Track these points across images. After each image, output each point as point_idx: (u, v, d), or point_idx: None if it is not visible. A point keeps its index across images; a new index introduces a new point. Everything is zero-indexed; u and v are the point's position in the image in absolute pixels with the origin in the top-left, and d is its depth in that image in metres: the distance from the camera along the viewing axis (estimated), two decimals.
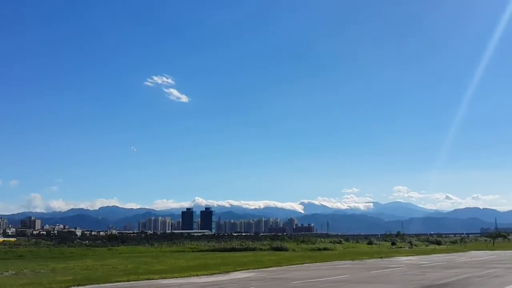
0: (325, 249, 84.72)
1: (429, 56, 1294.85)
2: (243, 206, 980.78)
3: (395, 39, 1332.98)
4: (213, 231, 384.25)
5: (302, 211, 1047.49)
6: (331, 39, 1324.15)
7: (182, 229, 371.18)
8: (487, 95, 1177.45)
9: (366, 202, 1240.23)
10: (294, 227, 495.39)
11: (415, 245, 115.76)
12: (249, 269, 36.00)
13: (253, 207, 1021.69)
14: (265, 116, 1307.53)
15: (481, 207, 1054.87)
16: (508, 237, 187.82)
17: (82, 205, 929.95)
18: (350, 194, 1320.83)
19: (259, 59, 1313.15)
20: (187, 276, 30.01)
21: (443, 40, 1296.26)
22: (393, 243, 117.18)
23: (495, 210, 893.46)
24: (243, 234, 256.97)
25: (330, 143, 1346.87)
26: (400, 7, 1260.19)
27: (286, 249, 79.49)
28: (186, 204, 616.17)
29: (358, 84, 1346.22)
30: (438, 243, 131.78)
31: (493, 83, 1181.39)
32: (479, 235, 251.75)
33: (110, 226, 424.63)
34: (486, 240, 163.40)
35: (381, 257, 54.40)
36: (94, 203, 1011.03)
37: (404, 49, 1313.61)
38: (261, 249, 79.83)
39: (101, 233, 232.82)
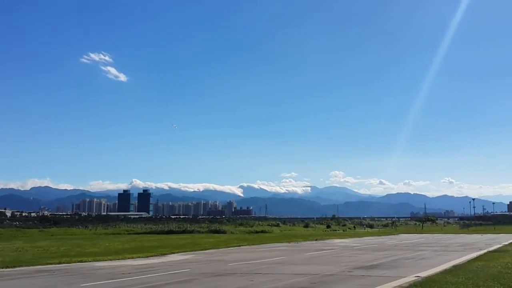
0: (262, 231, 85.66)
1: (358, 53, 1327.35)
2: (182, 188, 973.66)
3: (345, 28, 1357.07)
4: (151, 213, 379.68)
5: (242, 195, 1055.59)
6: (281, 26, 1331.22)
7: (118, 212, 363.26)
8: (409, 86, 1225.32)
9: (304, 187, 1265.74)
10: (233, 210, 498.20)
11: (349, 228, 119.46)
12: (186, 251, 35.72)
13: (192, 190, 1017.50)
14: (207, 100, 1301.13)
15: (412, 193, 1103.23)
16: (436, 221, 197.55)
17: (12, 185, 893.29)
18: (288, 179, 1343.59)
19: (203, 36, 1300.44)
20: (121, 259, 29.34)
21: (391, 33, 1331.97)
22: (328, 226, 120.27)
23: (425, 195, 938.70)
24: (182, 217, 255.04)
25: (271, 128, 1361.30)
26: None
27: (224, 232, 79.70)
28: (123, 186, 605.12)
29: (302, 72, 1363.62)
30: (371, 226, 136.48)
31: (422, 74, 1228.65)
32: (409, 219, 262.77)
33: (42, 207, 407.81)
34: (415, 224, 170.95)
35: (316, 240, 55.65)
36: (25, 183, 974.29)
37: (347, 40, 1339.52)
38: (199, 232, 79.55)
39: (32, 214, 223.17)
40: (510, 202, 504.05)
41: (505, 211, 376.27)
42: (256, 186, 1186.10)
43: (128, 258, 30.04)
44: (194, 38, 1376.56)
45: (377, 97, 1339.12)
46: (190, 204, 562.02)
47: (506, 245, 40.74)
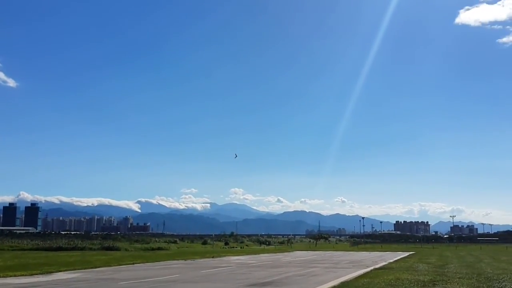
0: (159, 248, 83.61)
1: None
2: (75, 203, 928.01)
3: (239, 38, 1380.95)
4: (39, 229, 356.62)
5: (139, 210, 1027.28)
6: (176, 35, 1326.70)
7: (2, 226, 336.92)
8: (312, 108, 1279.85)
9: (203, 203, 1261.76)
10: (129, 226, 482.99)
11: (247, 245, 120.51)
12: (75, 269, 33.79)
13: (85, 205, 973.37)
14: (103, 109, 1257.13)
15: (308, 211, 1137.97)
16: (329, 239, 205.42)
17: None
18: (188, 195, 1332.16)
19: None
20: (2, 277, 27.09)
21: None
22: (226, 243, 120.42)
23: (320, 213, 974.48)
24: (73, 232, 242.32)
25: (171, 142, 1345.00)
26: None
27: (118, 249, 76.72)
28: (8, 199, 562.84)
29: (207, 93, 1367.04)
30: (268, 243, 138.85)
31: (321, 98, 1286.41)
32: (304, 236, 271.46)
33: None
34: (310, 241, 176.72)
35: (213, 257, 55.35)
36: None
37: (239, 47, 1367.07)
38: (91, 249, 75.88)
39: None
40: (396, 221, 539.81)
41: (392, 230, 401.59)
42: (154, 201, 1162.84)
43: (10, 276, 27.84)
44: (89, 43, 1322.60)
45: (276, 119, 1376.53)
46: (82, 219, 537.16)
47: (391, 263, 43.17)
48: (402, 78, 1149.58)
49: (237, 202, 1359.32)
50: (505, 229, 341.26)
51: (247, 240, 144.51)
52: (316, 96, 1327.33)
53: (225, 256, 59.46)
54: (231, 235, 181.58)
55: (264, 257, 57.02)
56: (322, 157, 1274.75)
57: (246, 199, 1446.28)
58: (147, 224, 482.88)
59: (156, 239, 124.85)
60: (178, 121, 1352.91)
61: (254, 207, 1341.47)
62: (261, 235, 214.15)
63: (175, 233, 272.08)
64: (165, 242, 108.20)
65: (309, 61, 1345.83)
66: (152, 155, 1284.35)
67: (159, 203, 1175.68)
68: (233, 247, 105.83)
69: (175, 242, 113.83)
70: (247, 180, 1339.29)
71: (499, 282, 22.95)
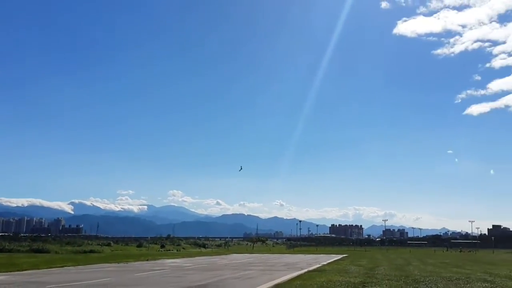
0: (91, 251, 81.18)
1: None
2: (4, 203, 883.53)
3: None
4: None
5: (72, 212, 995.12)
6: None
7: None
8: (235, 107, 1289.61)
9: (140, 205, 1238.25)
10: (61, 228, 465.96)
11: (183, 248, 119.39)
12: (0, 272, 32.16)
13: (15, 205, 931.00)
14: (36, 106, 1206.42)
15: (246, 214, 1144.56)
16: (266, 241, 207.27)
17: None
18: (125, 196, 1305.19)
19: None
20: None
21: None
22: (162, 246, 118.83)
23: (258, 217, 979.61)
24: (0, 234, 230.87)
25: (107, 141, 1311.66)
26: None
27: (48, 251, 73.84)
28: None
29: (148, 91, 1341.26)
30: (205, 246, 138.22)
31: (264, 103, 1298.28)
32: (242, 239, 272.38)
33: None
34: (247, 244, 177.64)
35: (147, 260, 54.32)
36: None
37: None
38: (18, 251, 72.62)
39: None
40: (332, 224, 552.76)
41: (327, 233, 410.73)
42: (88, 203, 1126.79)
43: None
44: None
45: (210, 117, 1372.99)
46: (11, 220, 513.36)
47: (324, 265, 44.04)
48: (345, 86, 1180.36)
49: (176, 205, 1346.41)
50: (433, 233, 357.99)
51: (184, 243, 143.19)
52: (259, 104, 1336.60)
53: (160, 259, 58.53)
54: (168, 237, 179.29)
55: (200, 260, 56.64)
56: (262, 161, 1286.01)
57: (185, 201, 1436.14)
58: (80, 226, 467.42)
59: (89, 241, 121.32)
60: (114, 119, 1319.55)
61: (193, 210, 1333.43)
62: (199, 238, 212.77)
63: (109, 236, 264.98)
64: (99, 245, 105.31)
65: (254, 69, 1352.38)
66: (86, 154, 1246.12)
67: (93, 205, 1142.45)
68: (169, 250, 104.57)
69: (109, 244, 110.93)
70: (187, 182, 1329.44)
71: (426, 284, 23.90)
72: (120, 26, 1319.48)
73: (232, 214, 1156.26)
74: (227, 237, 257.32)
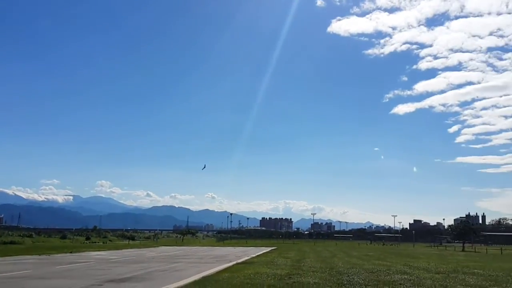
0: (11, 242, 77.39)
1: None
2: None
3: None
4: None
5: None
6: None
7: None
8: (184, 103, 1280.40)
9: (65, 195, 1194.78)
10: None
11: (110, 240, 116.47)
12: None
13: None
14: None
15: (177, 206, 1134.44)
16: (196, 234, 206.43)
17: None
18: (49, 186, 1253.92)
19: None
20: None
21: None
22: (88, 238, 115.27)
23: (189, 209, 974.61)
24: None
25: (30, 128, 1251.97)
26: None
27: None
28: None
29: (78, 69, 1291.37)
30: (133, 238, 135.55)
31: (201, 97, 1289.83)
32: (172, 231, 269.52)
33: None
34: (177, 236, 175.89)
35: (71, 252, 52.49)
36: None
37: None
38: None
39: None
40: (262, 217, 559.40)
41: (258, 226, 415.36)
42: (10, 192, 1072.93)
43: None
44: None
45: (149, 111, 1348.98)
46: None
47: (253, 257, 44.47)
48: (280, 83, 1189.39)
49: (103, 196, 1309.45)
50: (359, 227, 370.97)
51: (111, 235, 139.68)
52: (189, 90, 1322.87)
53: (84, 251, 56.77)
54: (94, 229, 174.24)
55: (127, 253, 55.49)
56: (194, 153, 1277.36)
57: (114, 192, 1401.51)
58: (0, 216, 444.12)
59: (10, 232, 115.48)
60: (38, 105, 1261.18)
61: (122, 201, 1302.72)
62: (127, 230, 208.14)
63: (31, 227, 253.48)
64: (19, 236, 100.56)
65: (195, 66, 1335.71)
66: (8, 140, 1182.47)
67: (15, 194, 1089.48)
68: (95, 242, 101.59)
69: (30, 236, 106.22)
70: (115, 172, 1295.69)
71: (348, 275, 24.67)
72: (62, 18, 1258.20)
73: (163, 206, 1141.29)
74: (157, 230, 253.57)
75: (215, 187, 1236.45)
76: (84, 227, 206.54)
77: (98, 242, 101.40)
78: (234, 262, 36.06)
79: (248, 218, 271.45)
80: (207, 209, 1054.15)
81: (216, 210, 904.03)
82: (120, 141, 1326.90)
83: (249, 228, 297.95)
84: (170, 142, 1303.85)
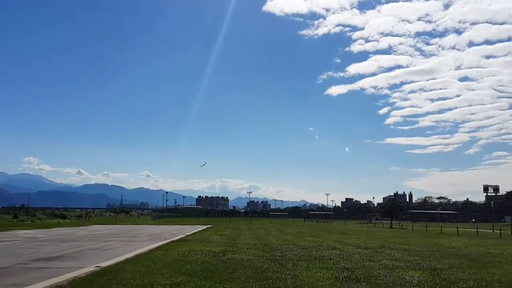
0: None
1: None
2: None
3: None
4: None
5: None
6: None
7: None
8: (119, 78, 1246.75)
9: None
10: None
11: (39, 219, 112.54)
12: None
13: None
14: None
15: (110, 184, 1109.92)
16: (131, 213, 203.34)
17: None
18: None
19: None
20: None
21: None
22: (15, 216, 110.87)
23: (123, 187, 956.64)
24: None
25: None
26: None
27: None
28: None
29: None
30: (64, 217, 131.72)
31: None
32: (105, 210, 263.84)
33: None
34: (110, 215, 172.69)
35: None
36: None
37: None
38: None
39: None
40: (199, 196, 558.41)
41: (194, 204, 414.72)
42: None
43: None
44: None
45: (80, 86, 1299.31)
46: None
47: (188, 235, 44.39)
48: (220, 60, 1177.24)
49: (32, 173, 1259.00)
50: (294, 205, 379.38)
51: (40, 214, 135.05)
52: (120, 66, 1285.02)
53: (12, 230, 54.64)
54: (22, 207, 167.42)
55: (57, 231, 53.87)
56: (128, 130, 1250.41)
57: (42, 169, 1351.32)
58: None
59: None
60: None
61: (51, 179, 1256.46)
62: (57, 209, 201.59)
63: None
64: None
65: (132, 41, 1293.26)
66: None
67: None
68: (24, 221, 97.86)
69: None
70: (44, 149, 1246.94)
71: (281, 252, 25.19)
72: None
73: (95, 184, 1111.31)
74: (89, 208, 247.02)
75: (150, 165, 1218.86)
76: (12, 205, 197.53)
77: (27, 221, 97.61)
78: (169, 240, 35.86)
79: (184, 197, 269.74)
80: (142, 188, 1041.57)
81: (151, 189, 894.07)
82: (48, 116, 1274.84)
83: (185, 206, 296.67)
84: (102, 119, 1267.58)
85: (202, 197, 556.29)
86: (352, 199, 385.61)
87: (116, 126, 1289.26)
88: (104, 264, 18.86)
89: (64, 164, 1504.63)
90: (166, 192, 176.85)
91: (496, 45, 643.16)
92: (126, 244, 32.85)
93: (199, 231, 56.75)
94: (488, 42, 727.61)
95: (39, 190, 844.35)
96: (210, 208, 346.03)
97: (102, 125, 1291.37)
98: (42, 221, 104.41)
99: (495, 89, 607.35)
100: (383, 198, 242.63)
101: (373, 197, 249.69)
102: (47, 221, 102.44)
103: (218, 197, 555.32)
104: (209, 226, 79.53)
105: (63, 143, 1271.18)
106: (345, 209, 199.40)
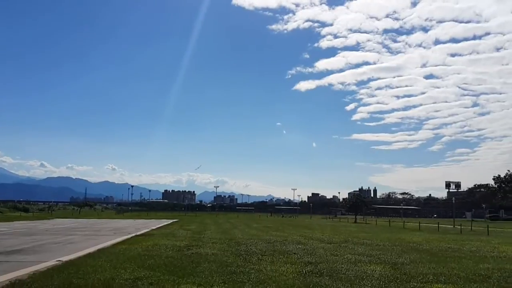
0: None
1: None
2: None
3: None
4: None
5: None
6: None
7: None
8: (89, 72, 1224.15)
9: None
10: None
11: (1, 212, 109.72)
12: None
13: None
14: None
15: (74, 177, 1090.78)
16: (95, 206, 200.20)
17: None
18: None
19: None
20: None
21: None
22: None
23: (87, 180, 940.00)
24: None
25: None
26: None
27: None
28: None
29: None
30: (26, 210, 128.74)
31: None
32: (68, 203, 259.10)
33: None
34: (74, 208, 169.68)
35: None
36: None
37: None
38: None
39: None
40: (165, 190, 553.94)
41: (160, 199, 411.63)
42: None
43: None
44: None
45: (48, 79, 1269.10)
46: None
47: (153, 230, 44.03)
48: (191, 54, 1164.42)
49: None
50: (260, 200, 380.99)
51: (1, 207, 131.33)
52: (89, 59, 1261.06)
53: None
54: None
55: (18, 225, 52.67)
56: (94, 123, 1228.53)
57: (4, 161, 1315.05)
58: None
59: None
60: None
61: (13, 171, 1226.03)
62: (19, 202, 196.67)
63: None
64: None
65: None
66: None
67: None
68: None
69: None
70: (6, 141, 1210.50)
71: (246, 246, 25.29)
72: None
73: (59, 177, 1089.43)
74: (52, 201, 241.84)
75: (116, 159, 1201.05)
76: None
77: None
78: (133, 234, 35.48)
79: (150, 191, 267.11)
80: (106, 181, 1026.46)
81: (116, 182, 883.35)
82: (11, 108, 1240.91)
83: (151, 200, 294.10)
84: (67, 111, 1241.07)
85: (169, 191, 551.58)
86: (318, 194, 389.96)
87: (81, 119, 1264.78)
88: (66, 258, 18.55)
89: (27, 156, 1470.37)
90: (132, 186, 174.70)
91: (462, 44, 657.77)
92: (89, 238, 32.37)
93: (164, 225, 56.35)
94: (453, 40, 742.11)
95: (1, 183, 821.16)
96: (177, 203, 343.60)
97: (67, 117, 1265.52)
98: (3, 214, 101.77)
99: (459, 87, 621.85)
100: (349, 193, 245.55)
101: (339, 192, 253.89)
102: (8, 214, 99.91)
103: (185, 191, 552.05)
104: (175, 220, 79.03)
105: (27, 135, 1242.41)
106: (311, 204, 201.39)
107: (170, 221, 74.16)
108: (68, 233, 37.59)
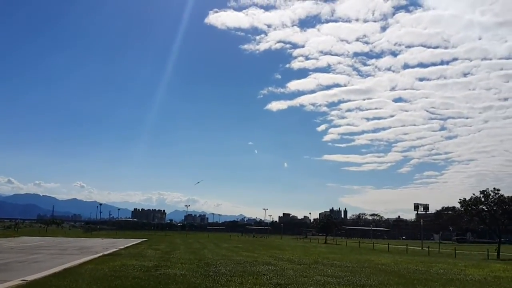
0: None
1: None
2: None
3: None
4: None
5: None
6: None
7: None
8: (54, 83, 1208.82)
9: None
10: None
11: None
12: None
13: None
14: None
15: (41, 194, 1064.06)
16: (62, 224, 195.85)
17: None
18: None
19: None
20: None
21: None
22: None
23: (55, 198, 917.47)
24: None
25: None
26: None
27: None
28: None
29: None
30: None
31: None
32: (35, 221, 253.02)
33: None
34: (40, 226, 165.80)
35: None
36: None
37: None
38: None
39: None
40: (134, 208, 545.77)
41: (129, 217, 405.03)
42: None
43: None
44: None
45: (12, 90, 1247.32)
46: None
47: (121, 249, 43.36)
48: (161, 72, 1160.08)
49: None
50: (232, 219, 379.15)
51: None
52: (56, 71, 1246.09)
53: None
54: None
55: None
56: (62, 138, 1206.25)
57: None
58: None
59: None
60: None
61: None
62: None
63: None
64: None
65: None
66: None
67: None
68: None
69: None
70: None
71: (216, 267, 25.18)
72: None
73: (26, 194, 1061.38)
74: (18, 219, 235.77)
75: (84, 176, 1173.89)
76: None
77: None
78: (100, 254, 34.88)
79: (119, 209, 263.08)
80: (75, 199, 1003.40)
81: (84, 200, 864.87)
82: None
83: (120, 219, 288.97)
84: (34, 125, 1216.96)
85: (138, 209, 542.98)
86: (289, 214, 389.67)
87: (49, 134, 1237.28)
88: (31, 277, 18.17)
89: None
90: (100, 204, 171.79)
91: (429, 68, 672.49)
92: (55, 257, 31.72)
93: (133, 245, 55.52)
94: (421, 65, 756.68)
95: None
96: (146, 221, 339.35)
97: (34, 131, 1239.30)
98: None
99: (427, 111, 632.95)
100: (319, 214, 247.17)
101: (310, 213, 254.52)
102: None
103: (155, 210, 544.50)
104: (144, 239, 77.92)
105: None
106: (282, 224, 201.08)
107: (139, 240, 73.10)
108: (34, 252, 36.74)
